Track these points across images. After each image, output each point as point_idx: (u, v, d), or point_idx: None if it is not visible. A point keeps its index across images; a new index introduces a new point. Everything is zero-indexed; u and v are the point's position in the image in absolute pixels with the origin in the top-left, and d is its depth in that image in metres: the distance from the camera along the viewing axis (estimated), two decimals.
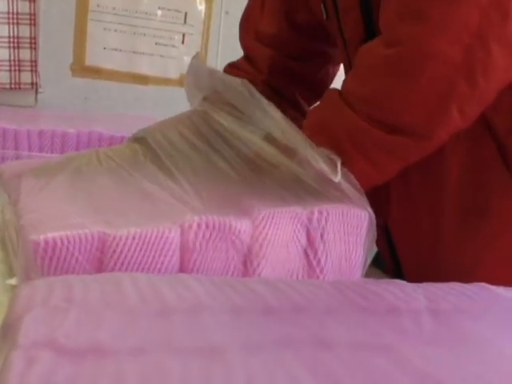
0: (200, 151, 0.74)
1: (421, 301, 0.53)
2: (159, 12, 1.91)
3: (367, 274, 0.73)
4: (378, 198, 0.83)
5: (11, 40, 1.74)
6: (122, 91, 1.89)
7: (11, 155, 1.32)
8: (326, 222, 0.68)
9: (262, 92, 0.96)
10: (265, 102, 0.72)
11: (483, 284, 0.60)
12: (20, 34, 1.74)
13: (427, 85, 0.66)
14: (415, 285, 0.58)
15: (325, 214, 0.68)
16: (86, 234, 0.57)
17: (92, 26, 1.86)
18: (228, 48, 1.87)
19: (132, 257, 0.58)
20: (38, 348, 0.37)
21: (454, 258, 0.78)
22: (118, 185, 0.70)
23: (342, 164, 0.67)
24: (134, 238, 0.58)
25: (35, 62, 1.76)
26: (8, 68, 1.75)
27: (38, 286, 0.47)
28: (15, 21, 1.73)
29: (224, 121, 0.76)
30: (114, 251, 0.58)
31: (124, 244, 0.58)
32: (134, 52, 1.91)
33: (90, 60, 1.86)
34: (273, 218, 0.65)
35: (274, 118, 0.71)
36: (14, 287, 0.62)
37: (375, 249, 0.74)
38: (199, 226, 0.61)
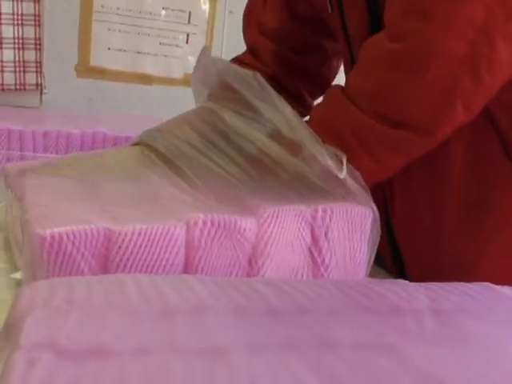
0: (205, 151, 0.74)
1: (423, 301, 0.53)
2: (163, 12, 1.92)
3: (371, 274, 0.73)
4: (380, 194, 0.83)
5: (16, 41, 1.74)
6: (127, 91, 1.90)
7: (16, 156, 1.32)
8: (331, 220, 0.68)
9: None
10: (275, 95, 0.72)
11: (487, 283, 0.60)
12: (25, 35, 1.74)
13: (432, 80, 0.66)
14: (418, 284, 0.57)
15: (329, 212, 0.68)
16: (92, 230, 0.57)
17: (96, 27, 1.86)
18: (232, 47, 1.87)
19: (137, 253, 0.59)
20: (40, 349, 0.37)
21: (457, 252, 0.78)
22: (123, 183, 0.71)
23: (347, 160, 0.67)
24: (139, 234, 0.59)
25: (40, 62, 1.76)
26: (13, 69, 1.75)
27: (40, 287, 0.47)
28: (20, 22, 1.74)
29: (229, 118, 0.76)
30: (120, 247, 0.58)
31: (130, 240, 0.58)
32: (139, 52, 1.91)
33: (94, 60, 1.87)
34: (277, 217, 0.65)
35: (284, 113, 0.71)
36: (17, 286, 0.62)
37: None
38: (204, 223, 0.61)
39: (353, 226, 0.70)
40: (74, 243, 0.56)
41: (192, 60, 1.96)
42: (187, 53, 1.95)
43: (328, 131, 0.72)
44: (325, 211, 0.68)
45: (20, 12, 1.74)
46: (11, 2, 1.72)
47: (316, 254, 0.68)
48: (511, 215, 0.76)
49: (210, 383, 0.36)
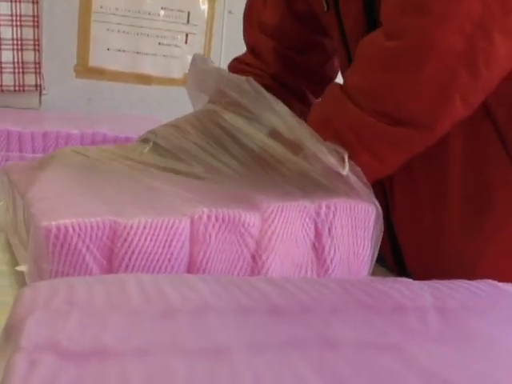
0: (209, 149, 0.74)
1: (427, 299, 0.52)
2: (162, 12, 1.91)
3: (372, 273, 0.73)
4: (381, 192, 0.83)
5: (15, 42, 1.74)
6: (126, 92, 1.89)
7: (15, 157, 1.32)
8: (334, 216, 0.68)
9: (269, 86, 0.96)
10: (271, 98, 0.72)
11: (490, 281, 0.60)
12: (23, 36, 1.74)
13: (430, 76, 0.65)
14: (421, 282, 0.57)
15: (332, 208, 0.68)
16: (97, 222, 0.57)
17: (95, 27, 1.86)
18: (231, 47, 1.86)
19: (142, 246, 0.59)
20: (41, 351, 0.36)
21: (457, 251, 0.78)
22: (127, 178, 0.71)
23: (348, 157, 0.67)
24: (144, 228, 0.59)
25: (39, 63, 1.76)
26: (12, 70, 1.75)
27: (41, 288, 0.46)
28: (18, 23, 1.73)
29: (230, 118, 0.76)
30: (125, 240, 0.58)
31: (135, 233, 0.58)
32: (138, 52, 1.91)
33: (93, 61, 1.87)
34: (281, 212, 0.65)
35: (281, 114, 0.71)
36: (19, 288, 0.62)
37: None
38: (209, 217, 0.61)
39: (356, 222, 0.70)
40: (79, 235, 0.56)
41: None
42: (186, 53, 1.95)
43: (327, 129, 0.72)
44: (328, 207, 0.68)
45: (18, 13, 1.73)
46: (9, 3, 1.72)
47: (320, 250, 0.68)
48: (511, 212, 0.76)
49: (213, 383, 0.36)
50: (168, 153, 0.76)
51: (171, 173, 0.72)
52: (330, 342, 0.43)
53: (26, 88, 1.77)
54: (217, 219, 0.61)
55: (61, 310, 0.42)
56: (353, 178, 0.68)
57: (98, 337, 0.39)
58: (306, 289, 0.51)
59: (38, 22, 1.74)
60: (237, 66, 1.02)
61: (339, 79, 1.01)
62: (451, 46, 0.64)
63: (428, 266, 0.82)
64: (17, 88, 1.76)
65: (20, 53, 1.75)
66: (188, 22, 1.94)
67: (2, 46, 1.73)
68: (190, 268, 0.61)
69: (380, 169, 0.73)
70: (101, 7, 1.85)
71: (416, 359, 0.42)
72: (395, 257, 0.87)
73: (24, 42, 1.75)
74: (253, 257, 0.64)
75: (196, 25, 1.95)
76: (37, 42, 1.75)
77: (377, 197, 0.70)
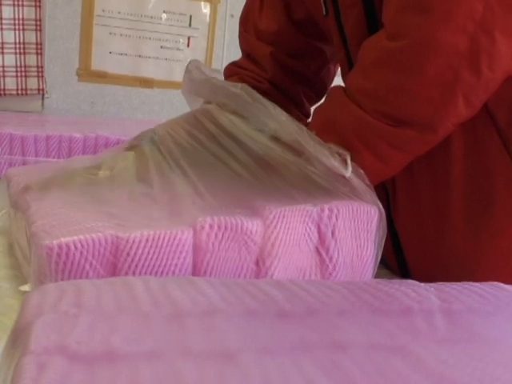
0: (209, 150, 0.74)
1: (433, 301, 0.52)
2: (164, 16, 1.92)
3: (376, 275, 0.73)
4: (383, 194, 0.83)
5: (17, 46, 1.74)
6: (128, 95, 1.90)
7: (18, 161, 1.32)
8: (337, 219, 0.68)
9: (267, 90, 0.96)
10: (268, 104, 0.72)
11: (496, 283, 0.60)
12: (26, 40, 1.74)
13: (432, 76, 0.66)
14: (427, 285, 0.57)
15: (335, 211, 0.68)
16: (99, 238, 0.57)
17: (98, 31, 1.86)
18: (233, 50, 1.87)
19: (145, 259, 0.59)
20: (50, 354, 0.36)
21: (459, 250, 0.78)
22: (128, 188, 0.70)
23: (351, 159, 0.67)
24: (147, 241, 0.58)
25: (41, 67, 1.76)
26: (14, 74, 1.75)
27: (48, 291, 0.46)
28: (21, 27, 1.74)
29: (230, 119, 0.76)
30: (128, 254, 0.58)
31: (137, 247, 0.58)
32: (140, 56, 1.91)
33: (96, 65, 1.87)
34: (284, 217, 0.65)
35: (280, 120, 0.70)
36: (22, 291, 0.62)
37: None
38: (211, 226, 0.61)
39: (359, 224, 0.70)
40: (81, 252, 0.56)
41: None
42: (188, 56, 1.95)
43: (330, 131, 0.72)
44: (331, 210, 0.68)
45: (21, 17, 1.74)
46: (12, 7, 1.72)
47: (323, 253, 0.68)
48: None
49: None
50: (167, 157, 0.75)
51: (172, 178, 0.71)
52: (339, 345, 0.43)
53: (28, 92, 1.77)
54: (219, 228, 0.61)
55: (69, 312, 0.42)
56: (355, 180, 0.68)
57: (107, 340, 0.39)
58: (313, 291, 0.51)
59: (40, 25, 1.75)
60: (233, 69, 1.02)
61: (334, 84, 1.01)
62: (453, 45, 0.64)
63: (430, 266, 0.82)
64: (19, 92, 1.76)
65: (22, 57, 1.75)
66: (190, 25, 1.94)
67: (5, 50, 1.73)
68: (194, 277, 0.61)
69: (383, 170, 0.73)
70: (103, 11, 1.86)
71: (425, 362, 0.42)
72: (397, 258, 0.87)
73: (26, 46, 1.75)
74: (256, 263, 0.64)
75: (198, 28, 1.95)
76: (39, 46, 1.75)
77: (379, 199, 0.71)
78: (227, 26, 1.96)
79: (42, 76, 1.77)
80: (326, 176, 0.69)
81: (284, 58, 0.99)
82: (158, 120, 1.76)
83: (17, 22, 1.73)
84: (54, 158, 1.36)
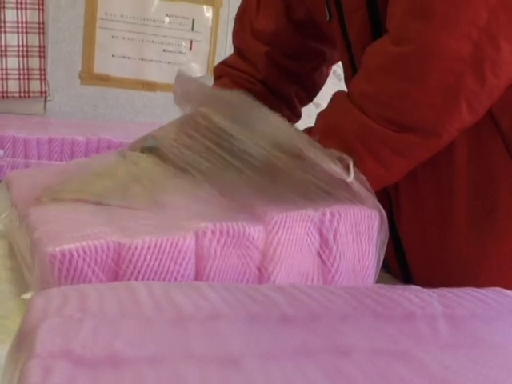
0: (211, 156, 0.74)
1: (436, 306, 0.53)
2: (167, 19, 1.92)
3: (378, 279, 0.73)
4: (386, 200, 0.83)
5: (20, 49, 1.75)
6: (131, 98, 1.90)
7: (21, 163, 1.32)
8: (338, 223, 0.68)
9: (258, 91, 0.96)
10: (266, 110, 0.72)
11: (498, 289, 0.60)
12: (29, 43, 1.75)
13: (437, 82, 0.66)
14: (430, 290, 0.57)
15: (337, 215, 0.68)
16: (101, 244, 0.57)
17: (100, 34, 1.86)
18: None
19: (148, 265, 0.59)
20: (55, 358, 0.36)
21: (462, 255, 0.78)
22: (129, 193, 0.70)
23: (353, 164, 0.67)
24: (149, 247, 0.58)
25: (44, 70, 1.76)
26: (17, 77, 1.75)
27: (52, 296, 0.47)
28: (24, 30, 1.74)
29: (228, 124, 0.76)
30: (130, 261, 0.58)
31: (140, 253, 0.58)
32: (142, 59, 1.91)
33: (98, 68, 1.87)
34: (285, 222, 0.65)
35: (279, 127, 0.70)
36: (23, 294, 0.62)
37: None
38: (213, 232, 0.61)
39: (361, 228, 0.70)
40: (84, 259, 0.56)
41: (196, 67, 1.96)
42: (191, 60, 1.95)
43: (333, 136, 0.72)
44: (333, 214, 0.68)
45: (24, 20, 1.74)
46: (16, 10, 1.73)
47: (325, 258, 0.68)
48: None
49: None
50: (170, 162, 0.75)
51: (174, 183, 0.71)
52: (342, 350, 0.43)
53: (31, 94, 1.77)
54: (221, 234, 0.61)
55: (73, 317, 0.42)
56: (357, 185, 0.68)
57: (111, 344, 0.39)
58: (315, 296, 0.51)
59: (43, 28, 1.75)
60: (223, 69, 1.02)
61: (326, 86, 1.01)
62: (457, 51, 0.64)
63: (433, 271, 0.82)
64: (22, 94, 1.77)
65: (25, 59, 1.75)
66: (193, 29, 1.94)
67: (8, 53, 1.74)
68: None
69: (385, 176, 0.73)
70: (106, 14, 1.86)
71: (428, 367, 0.42)
72: (400, 263, 0.87)
73: (30, 49, 1.76)
74: (259, 269, 0.64)
75: (200, 32, 1.96)
76: (42, 49, 1.76)
77: (381, 203, 0.71)
78: (229, 30, 1.96)
79: (45, 79, 1.78)
80: (327, 181, 0.69)
81: (280, 57, 0.99)
82: (160, 123, 1.76)
83: (20, 24, 1.74)
84: (56, 160, 1.36)
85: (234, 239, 0.62)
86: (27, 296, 0.60)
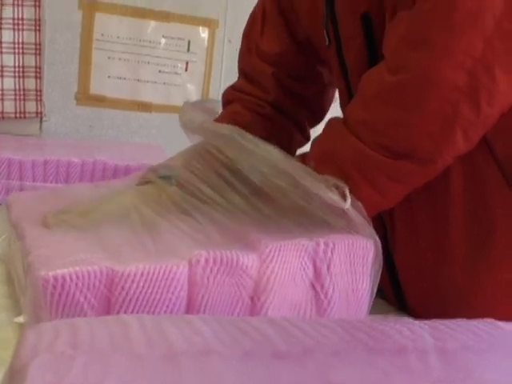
0: (211, 185, 0.74)
1: (428, 340, 0.53)
2: (163, 40, 1.93)
3: (372, 306, 0.73)
4: (381, 226, 0.83)
5: (17, 70, 1.75)
6: (127, 119, 1.90)
7: (16, 186, 1.32)
8: (332, 253, 0.68)
9: (269, 114, 0.96)
10: (260, 144, 0.71)
11: (490, 320, 0.60)
12: (25, 64, 1.75)
13: (433, 110, 0.66)
14: (421, 322, 0.57)
15: (331, 245, 0.68)
16: (94, 270, 0.57)
17: (97, 55, 1.87)
18: (231, 75, 1.88)
19: (140, 293, 0.59)
20: None
21: (457, 282, 0.78)
22: (125, 220, 0.70)
23: (349, 191, 0.67)
24: (142, 275, 0.59)
25: (40, 91, 1.76)
26: (13, 97, 1.75)
27: (43, 331, 0.47)
28: (21, 50, 1.74)
29: (230, 154, 0.76)
30: (123, 287, 0.58)
31: (132, 280, 0.58)
32: (138, 80, 1.92)
33: (94, 88, 1.87)
34: (279, 251, 0.65)
35: (273, 159, 0.70)
36: (19, 324, 0.62)
37: None
38: (207, 261, 0.61)
39: (355, 258, 0.70)
40: (77, 284, 0.56)
41: (191, 88, 1.97)
42: (186, 81, 1.96)
43: (329, 162, 0.72)
44: (327, 244, 0.68)
45: (21, 41, 1.74)
46: (12, 31, 1.73)
47: (319, 289, 0.68)
48: None
49: None
50: (170, 192, 0.75)
51: (170, 210, 0.71)
52: None
53: (26, 115, 1.77)
54: (215, 262, 0.61)
55: (65, 353, 0.42)
56: (353, 213, 0.69)
57: (102, 382, 0.39)
58: (308, 330, 0.51)
59: (40, 49, 1.75)
60: (233, 93, 1.02)
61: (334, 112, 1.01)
62: (453, 80, 0.65)
63: (427, 298, 0.82)
64: (18, 115, 1.77)
65: (22, 80, 1.75)
66: (188, 50, 1.95)
67: (4, 73, 1.74)
68: (189, 311, 0.61)
69: (381, 202, 0.73)
70: (102, 35, 1.87)
71: None
72: (394, 289, 0.87)
73: (26, 70, 1.76)
74: (251, 298, 0.64)
75: (196, 53, 1.96)
76: (38, 70, 1.76)
77: (376, 231, 0.71)
78: (225, 51, 1.97)
79: (41, 99, 1.77)
80: (323, 208, 0.69)
81: (286, 79, 0.99)
82: (155, 143, 1.77)
83: (16, 45, 1.74)
84: (51, 182, 1.36)
85: (227, 268, 0.62)
86: (19, 320, 0.60)
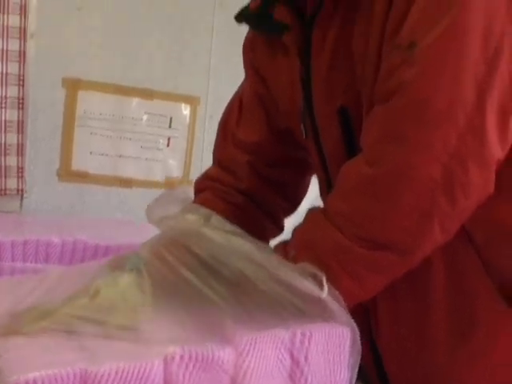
0: (185, 279, 0.73)
1: None
2: (145, 117, 1.96)
3: None
4: (364, 311, 0.83)
5: None
6: (108, 195, 1.91)
7: None
8: (310, 343, 0.68)
9: (240, 204, 0.96)
10: (232, 237, 0.71)
11: None
12: (8, 142, 1.76)
13: (408, 204, 0.67)
14: None
15: (308, 334, 0.68)
16: (67, 373, 0.56)
17: (79, 131, 1.89)
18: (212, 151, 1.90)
19: None
20: None
21: (440, 369, 0.78)
22: (100, 315, 0.70)
23: (327, 281, 0.68)
24: (116, 373, 0.58)
25: (22, 168, 1.78)
26: None
27: None
28: (3, 128, 1.76)
29: (199, 250, 0.75)
30: None
31: (106, 380, 0.57)
32: (120, 156, 1.94)
33: (76, 164, 1.89)
34: (256, 344, 0.65)
35: (247, 250, 0.70)
36: None
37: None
38: (182, 357, 0.61)
39: (332, 347, 0.70)
40: None
41: (173, 163, 1.99)
42: (168, 156, 1.98)
43: (309, 252, 0.73)
44: (304, 334, 0.68)
45: (3, 119, 1.76)
46: None
47: (296, 379, 0.68)
48: (495, 333, 0.77)
49: None
50: (149, 281, 0.75)
51: (148, 304, 0.71)
52: None
53: (7, 192, 1.78)
54: (190, 358, 0.61)
55: None
56: (330, 301, 0.69)
57: None
58: None
59: (22, 127, 1.78)
60: (204, 182, 1.01)
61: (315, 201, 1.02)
62: (428, 175, 0.66)
63: (410, 380, 0.81)
64: None
65: (3, 158, 1.77)
66: (170, 126, 1.99)
67: None
68: None
69: (359, 293, 0.73)
70: (85, 112, 1.90)
71: None
72: (378, 374, 0.86)
73: (8, 147, 1.77)
74: None
75: (178, 129, 2.00)
76: (21, 147, 1.78)
77: (359, 317, 0.70)
78: (206, 127, 2.01)
79: (22, 176, 1.79)
80: (299, 296, 0.69)
81: (262, 167, 0.99)
82: (136, 219, 1.77)
83: None
84: (31, 262, 1.35)
85: (203, 363, 0.62)
86: None
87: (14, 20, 1.72)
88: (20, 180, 1.77)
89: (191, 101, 2.00)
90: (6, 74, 1.73)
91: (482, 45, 0.67)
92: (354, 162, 0.74)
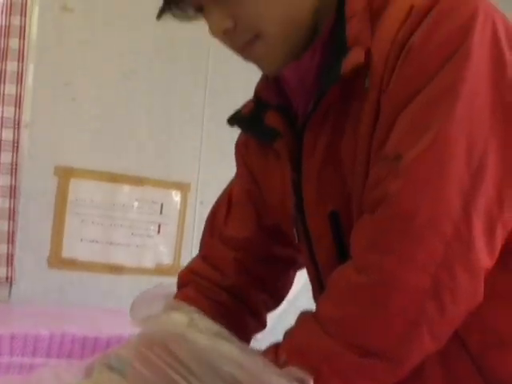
0: (168, 382, 0.72)
1: None
2: (136, 204, 1.98)
3: None
4: None
5: None
6: (98, 282, 1.90)
7: None
8: None
9: (224, 303, 0.96)
10: (216, 340, 0.71)
11: None
12: None
13: (396, 313, 0.68)
14: None
15: None
16: None
17: (70, 219, 1.90)
18: None
19: None
20: None
21: None
22: None
23: None
24: None
25: (12, 256, 1.77)
26: None
27: None
28: None
29: (182, 356, 0.74)
30: None
31: None
32: (111, 243, 1.94)
33: (66, 252, 1.89)
34: None
35: (231, 353, 0.69)
36: None
37: None
38: None
39: None
40: None
41: (164, 250, 1.99)
42: (159, 243, 1.99)
43: (300, 356, 0.72)
44: None
45: None
46: None
47: None
48: None
49: None
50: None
51: None
52: None
53: None
54: None
55: None
56: None
57: None
58: None
59: (13, 215, 1.78)
60: (188, 276, 1.00)
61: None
62: (416, 284, 0.67)
63: None
64: None
65: None
66: (161, 213, 2.00)
67: None
68: None
69: None
70: (76, 200, 1.91)
71: None
72: None
73: None
74: None
75: (169, 215, 2.01)
76: (11, 235, 1.78)
77: None
78: (197, 213, 2.02)
79: (12, 264, 1.78)
80: None
81: (250, 263, 0.99)
82: (125, 307, 1.75)
83: None
84: (18, 356, 1.33)
85: None
86: None
87: (8, 111, 1.76)
88: (10, 268, 1.77)
89: (182, 187, 2.02)
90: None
91: (467, 156, 0.68)
92: (344, 268, 0.75)
